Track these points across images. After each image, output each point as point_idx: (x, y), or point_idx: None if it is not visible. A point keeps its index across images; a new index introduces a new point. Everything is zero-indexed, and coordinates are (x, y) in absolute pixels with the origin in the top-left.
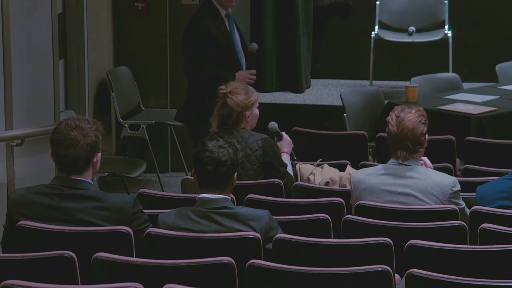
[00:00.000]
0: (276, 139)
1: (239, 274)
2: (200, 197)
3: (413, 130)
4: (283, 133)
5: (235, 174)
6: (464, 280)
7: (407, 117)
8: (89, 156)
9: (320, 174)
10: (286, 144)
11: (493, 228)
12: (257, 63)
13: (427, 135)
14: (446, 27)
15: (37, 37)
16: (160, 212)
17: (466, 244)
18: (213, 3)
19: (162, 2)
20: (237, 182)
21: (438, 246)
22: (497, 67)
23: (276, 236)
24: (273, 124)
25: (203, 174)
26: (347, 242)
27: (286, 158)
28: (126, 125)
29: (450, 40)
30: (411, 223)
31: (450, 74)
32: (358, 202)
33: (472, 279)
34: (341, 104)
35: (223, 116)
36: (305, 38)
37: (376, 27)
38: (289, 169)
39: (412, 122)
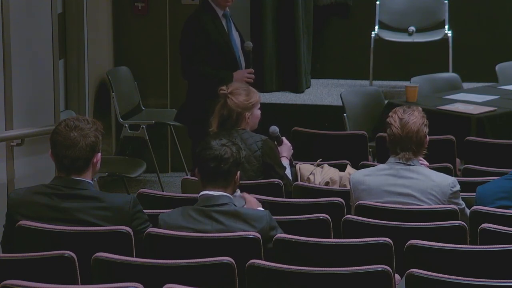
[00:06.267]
0: (276, 143)
1: (239, 274)
2: (202, 194)
3: (418, 132)
4: (283, 138)
5: (238, 173)
6: (464, 280)
7: (411, 120)
8: (89, 157)
9: (320, 174)
10: (286, 148)
11: (493, 228)
12: (256, 63)
13: (427, 136)
14: (446, 27)
15: (37, 37)
16: (160, 212)
17: (466, 244)
18: (210, 4)
19: (162, 2)
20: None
21: (438, 246)
22: (497, 67)
23: (276, 236)
24: (274, 128)
25: (205, 171)
26: (347, 242)
27: (285, 162)
28: (126, 125)
29: (450, 40)
30: (411, 223)
31: (450, 74)
32: (358, 202)
33: (472, 279)
34: (341, 104)
35: (223, 116)
36: (305, 38)
37: (376, 27)
38: (288, 172)
39: (417, 125)
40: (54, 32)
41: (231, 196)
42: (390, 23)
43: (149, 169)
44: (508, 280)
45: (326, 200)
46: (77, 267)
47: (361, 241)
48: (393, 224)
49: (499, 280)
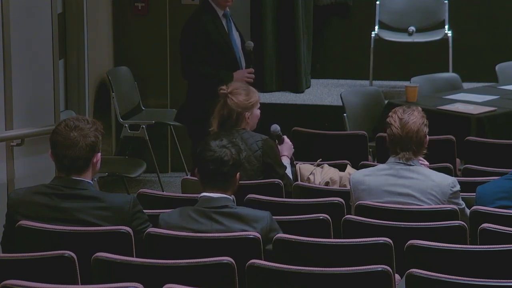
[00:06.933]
0: (277, 142)
1: (239, 274)
2: (202, 196)
3: (418, 132)
4: (285, 136)
5: (238, 174)
6: (464, 280)
7: (411, 120)
8: (89, 157)
9: (320, 174)
10: (287, 148)
11: (493, 228)
12: (256, 63)
13: (427, 136)
14: (446, 27)
15: (37, 37)
16: (160, 212)
17: (466, 244)
18: (210, 4)
19: (162, 2)
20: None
21: (438, 246)
22: (497, 67)
23: (276, 236)
24: (276, 127)
25: (205, 173)
26: (347, 242)
27: (286, 161)
28: (126, 125)
29: (450, 40)
30: (411, 223)
31: (450, 74)
32: (358, 202)
33: (472, 279)
34: (341, 104)
35: (223, 116)
36: (305, 38)
37: (376, 27)
38: (288, 172)
39: (417, 125)
40: (54, 32)
41: (231, 198)
42: (390, 23)
43: (149, 169)
44: (508, 280)
45: (326, 200)
46: (77, 267)
47: (361, 241)
48: (393, 224)
49: (499, 280)
